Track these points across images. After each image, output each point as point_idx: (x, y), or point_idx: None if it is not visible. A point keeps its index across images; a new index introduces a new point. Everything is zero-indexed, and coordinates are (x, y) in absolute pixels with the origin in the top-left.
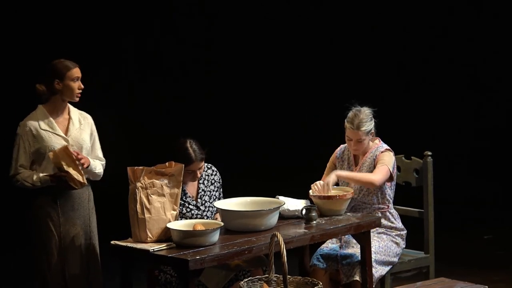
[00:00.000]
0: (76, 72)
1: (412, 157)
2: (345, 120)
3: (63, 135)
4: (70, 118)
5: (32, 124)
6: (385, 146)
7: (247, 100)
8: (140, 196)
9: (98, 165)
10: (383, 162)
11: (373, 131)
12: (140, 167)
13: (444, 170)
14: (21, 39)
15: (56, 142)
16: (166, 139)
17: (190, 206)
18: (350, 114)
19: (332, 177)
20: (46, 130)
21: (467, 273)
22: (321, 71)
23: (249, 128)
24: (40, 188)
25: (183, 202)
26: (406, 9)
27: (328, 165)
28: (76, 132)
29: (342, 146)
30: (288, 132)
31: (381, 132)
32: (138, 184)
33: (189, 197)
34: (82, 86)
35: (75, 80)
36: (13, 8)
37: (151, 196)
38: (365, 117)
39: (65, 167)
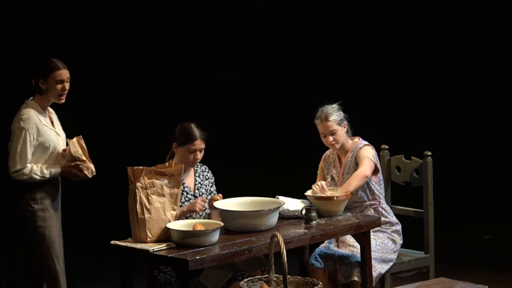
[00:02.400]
0: (61, 74)
1: (412, 157)
2: (314, 121)
3: (54, 129)
4: (50, 112)
5: (35, 117)
6: (364, 142)
7: (247, 100)
8: (140, 196)
9: None
10: (363, 156)
11: (345, 123)
12: (140, 167)
13: (444, 170)
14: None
15: (54, 137)
16: (166, 139)
17: (188, 195)
18: (318, 113)
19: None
20: (44, 125)
21: (467, 273)
22: (322, 71)
23: (249, 128)
24: (37, 183)
25: (181, 192)
26: (406, 8)
27: (318, 172)
28: (59, 127)
29: (327, 151)
30: (289, 131)
31: (381, 132)
32: (138, 184)
33: (187, 187)
34: (67, 88)
35: (59, 82)
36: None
37: (151, 196)
38: (330, 109)
39: (82, 156)
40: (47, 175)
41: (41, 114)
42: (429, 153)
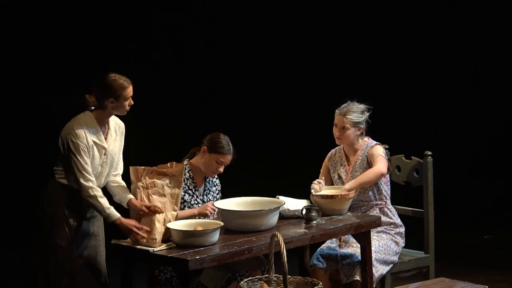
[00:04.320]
0: (130, 91)
1: (412, 157)
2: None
3: (105, 145)
4: (109, 128)
5: (85, 132)
6: (374, 142)
7: (248, 100)
8: (141, 196)
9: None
10: (377, 154)
11: (362, 126)
12: (142, 167)
13: (444, 170)
14: (19, 37)
15: (97, 156)
16: (167, 139)
17: (197, 199)
18: (344, 103)
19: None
20: (94, 141)
21: (467, 273)
22: (322, 71)
23: (249, 128)
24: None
25: (191, 193)
26: (406, 8)
27: (321, 170)
28: (112, 145)
29: (333, 149)
30: (289, 131)
31: (381, 132)
32: (139, 184)
33: (197, 190)
34: (132, 103)
35: (127, 99)
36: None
37: (152, 196)
38: (354, 108)
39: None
40: (106, 210)
41: (93, 128)
42: (429, 153)
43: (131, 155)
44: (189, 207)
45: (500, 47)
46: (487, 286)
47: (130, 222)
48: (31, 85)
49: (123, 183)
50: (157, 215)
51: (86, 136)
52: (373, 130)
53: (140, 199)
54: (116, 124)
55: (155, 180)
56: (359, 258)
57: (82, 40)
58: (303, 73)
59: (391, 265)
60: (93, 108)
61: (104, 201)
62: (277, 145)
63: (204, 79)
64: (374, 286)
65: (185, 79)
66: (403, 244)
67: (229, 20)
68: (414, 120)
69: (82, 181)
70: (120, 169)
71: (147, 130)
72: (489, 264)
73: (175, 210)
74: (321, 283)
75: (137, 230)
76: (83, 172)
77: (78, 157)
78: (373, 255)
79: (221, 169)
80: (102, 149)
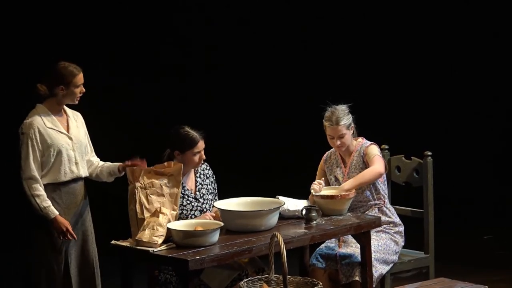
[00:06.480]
0: (81, 78)
1: (412, 157)
2: (323, 121)
3: (66, 133)
4: (68, 116)
5: (38, 122)
6: (369, 142)
7: (248, 100)
8: (139, 196)
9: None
10: (373, 153)
11: (352, 125)
12: (140, 167)
13: (444, 170)
14: (20, 37)
15: (63, 141)
16: (165, 138)
17: (189, 198)
18: (327, 113)
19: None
20: (52, 128)
21: (467, 273)
22: (322, 71)
23: (249, 128)
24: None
25: (182, 195)
26: (406, 7)
27: (317, 172)
28: (76, 131)
29: (328, 152)
30: (289, 131)
31: (381, 132)
32: (137, 184)
33: (188, 189)
34: (84, 90)
35: (78, 86)
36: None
37: (150, 196)
38: (341, 112)
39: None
40: (42, 210)
41: (49, 118)
42: (429, 153)
43: (131, 155)
44: (181, 210)
45: (500, 47)
46: (487, 286)
47: (65, 223)
48: (31, 85)
49: (103, 163)
50: (160, 217)
51: (37, 126)
52: (373, 130)
53: (138, 199)
54: (73, 114)
55: (153, 180)
56: (359, 258)
57: (82, 41)
58: (303, 73)
59: (391, 265)
60: (43, 100)
61: (40, 201)
62: (277, 145)
63: (204, 79)
64: (374, 286)
65: (185, 79)
66: (403, 243)
67: (229, 20)
68: (414, 120)
69: (22, 175)
70: (93, 154)
71: (146, 130)
72: (489, 264)
73: (174, 210)
74: (321, 283)
75: (67, 232)
76: (25, 166)
77: (22, 150)
78: (373, 254)
79: (203, 155)
80: (62, 134)
